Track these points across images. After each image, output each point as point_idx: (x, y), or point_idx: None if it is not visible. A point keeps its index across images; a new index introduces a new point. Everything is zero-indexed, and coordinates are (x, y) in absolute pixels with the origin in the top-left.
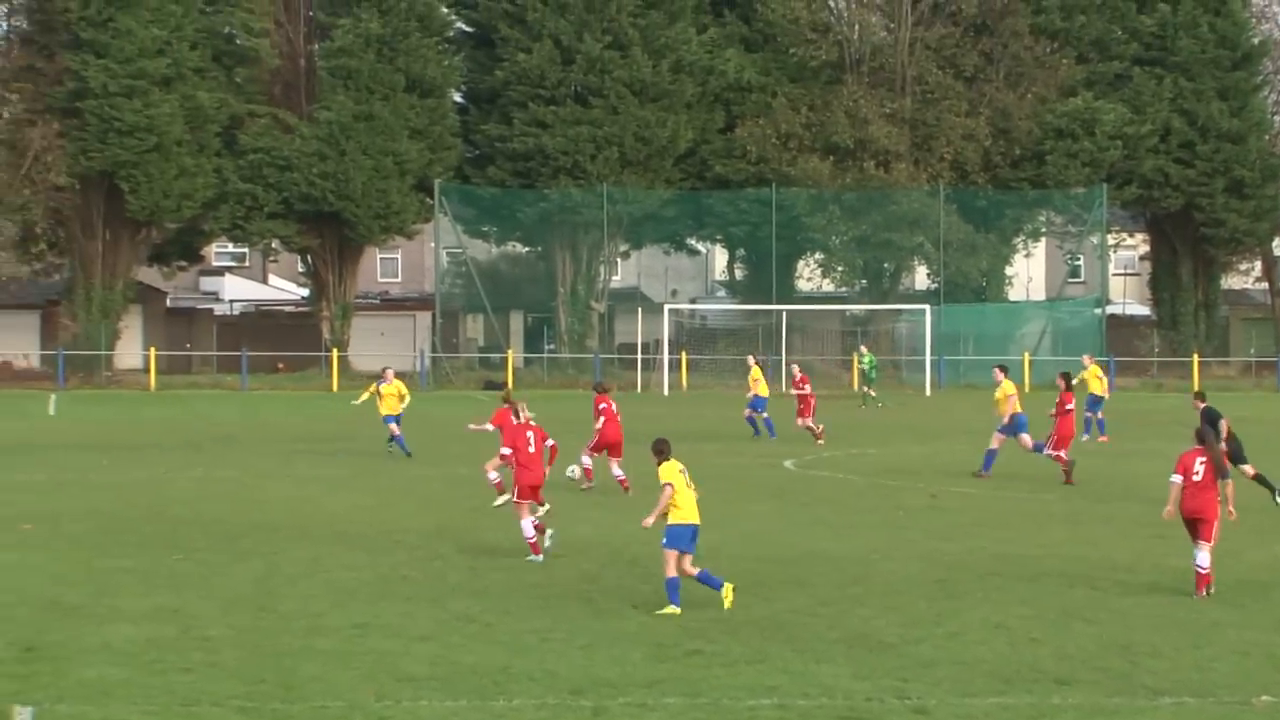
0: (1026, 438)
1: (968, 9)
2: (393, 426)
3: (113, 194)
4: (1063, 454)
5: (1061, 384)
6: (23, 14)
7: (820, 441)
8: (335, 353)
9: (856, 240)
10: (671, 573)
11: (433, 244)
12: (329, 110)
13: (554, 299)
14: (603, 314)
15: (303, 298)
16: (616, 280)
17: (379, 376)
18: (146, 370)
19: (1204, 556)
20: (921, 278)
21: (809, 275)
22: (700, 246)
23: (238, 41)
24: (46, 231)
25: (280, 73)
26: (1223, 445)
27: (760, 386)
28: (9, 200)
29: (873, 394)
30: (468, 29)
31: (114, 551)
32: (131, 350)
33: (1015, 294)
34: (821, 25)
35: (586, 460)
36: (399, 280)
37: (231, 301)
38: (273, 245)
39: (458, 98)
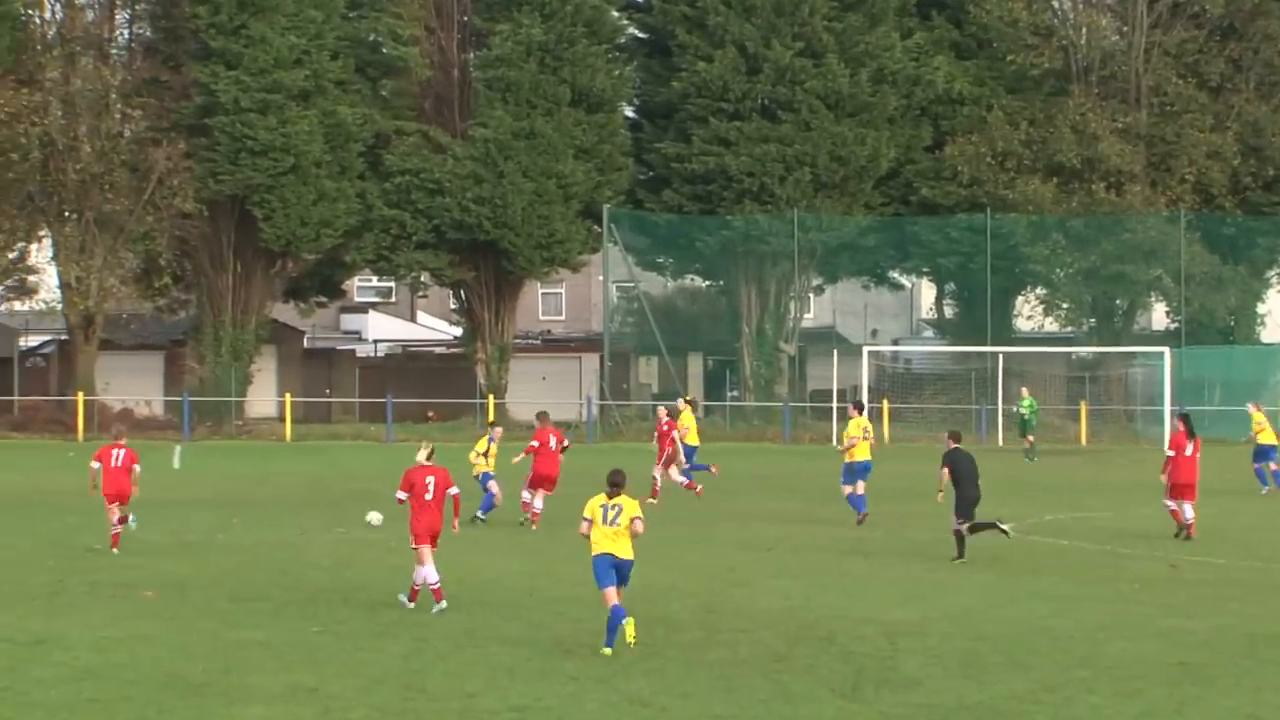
0: None
1: (1213, 9)
2: (492, 484)
3: (244, 221)
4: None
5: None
6: (146, 21)
7: (652, 500)
8: (491, 399)
9: (1084, 273)
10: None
11: (601, 277)
12: (485, 127)
13: (737, 339)
14: (793, 356)
15: (455, 338)
16: (809, 318)
17: (488, 433)
18: (281, 419)
19: None
20: (1159, 316)
21: (1029, 313)
22: (904, 280)
23: (384, 50)
24: (171, 264)
25: (431, 85)
26: None
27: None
28: (130, 229)
29: (1031, 443)
30: (641, 35)
31: (244, 622)
32: (265, 396)
33: (1268, 335)
34: (1044, 29)
35: (527, 495)
36: (563, 318)
37: (376, 342)
38: (422, 279)
39: (629, 112)
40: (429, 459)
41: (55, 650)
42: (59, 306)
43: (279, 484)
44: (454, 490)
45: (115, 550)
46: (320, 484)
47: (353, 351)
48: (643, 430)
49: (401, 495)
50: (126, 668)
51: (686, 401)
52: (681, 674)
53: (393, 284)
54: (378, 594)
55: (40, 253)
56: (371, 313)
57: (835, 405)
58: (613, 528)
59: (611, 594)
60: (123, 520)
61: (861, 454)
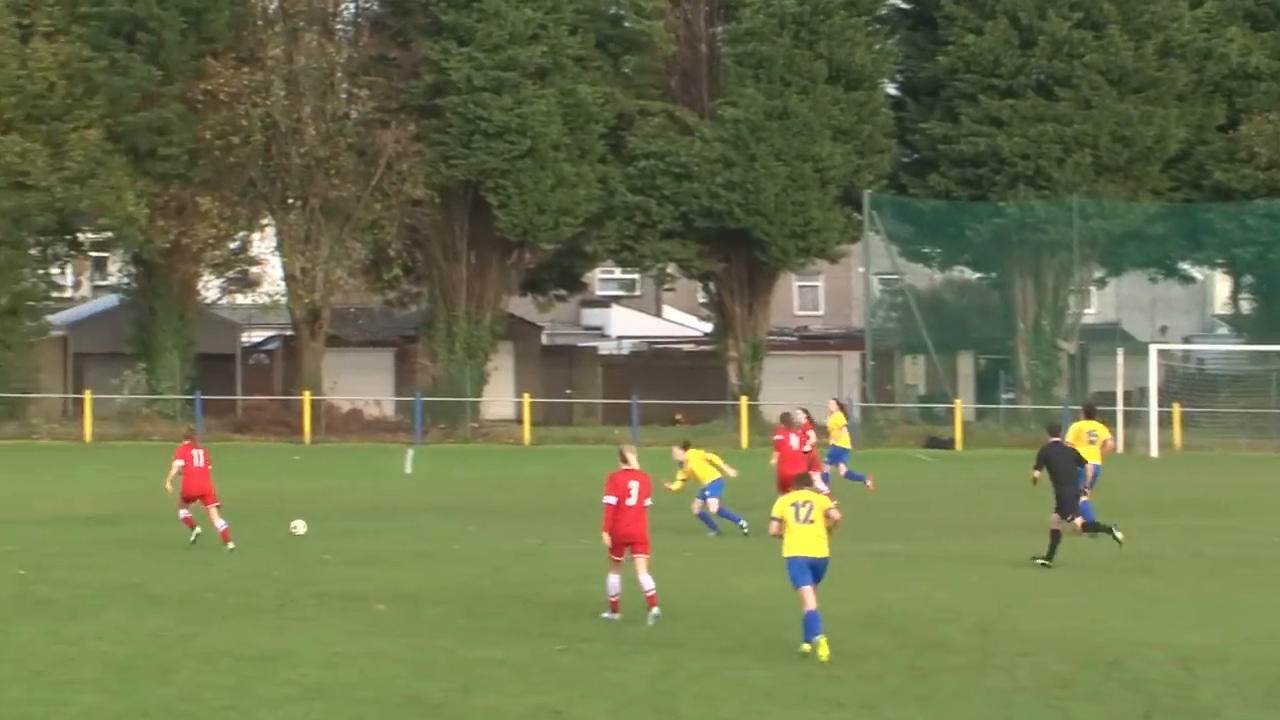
0: None
1: None
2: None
3: (478, 209)
4: None
5: None
6: None
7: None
8: (744, 400)
9: None
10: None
11: (861, 269)
12: (736, 106)
13: (1012, 337)
14: (1073, 355)
15: (704, 334)
16: (1090, 314)
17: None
18: (519, 420)
19: None
20: None
21: None
22: (1196, 272)
23: (626, 25)
24: (401, 254)
25: (677, 61)
26: None
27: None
28: (357, 217)
29: None
30: (904, 6)
31: (482, 639)
32: (502, 396)
33: None
34: None
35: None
36: (820, 313)
37: (619, 338)
38: (668, 270)
39: (892, 90)
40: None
41: (283, 667)
42: (283, 300)
43: (518, 490)
44: (649, 501)
45: (231, 546)
46: (562, 490)
47: (594, 349)
48: (909, 435)
49: (610, 500)
50: (358, 686)
51: (838, 405)
52: (955, 701)
53: (637, 276)
54: (624, 608)
55: (263, 243)
56: (614, 307)
57: (1121, 409)
58: (807, 525)
59: (808, 595)
60: (189, 522)
61: (1092, 458)
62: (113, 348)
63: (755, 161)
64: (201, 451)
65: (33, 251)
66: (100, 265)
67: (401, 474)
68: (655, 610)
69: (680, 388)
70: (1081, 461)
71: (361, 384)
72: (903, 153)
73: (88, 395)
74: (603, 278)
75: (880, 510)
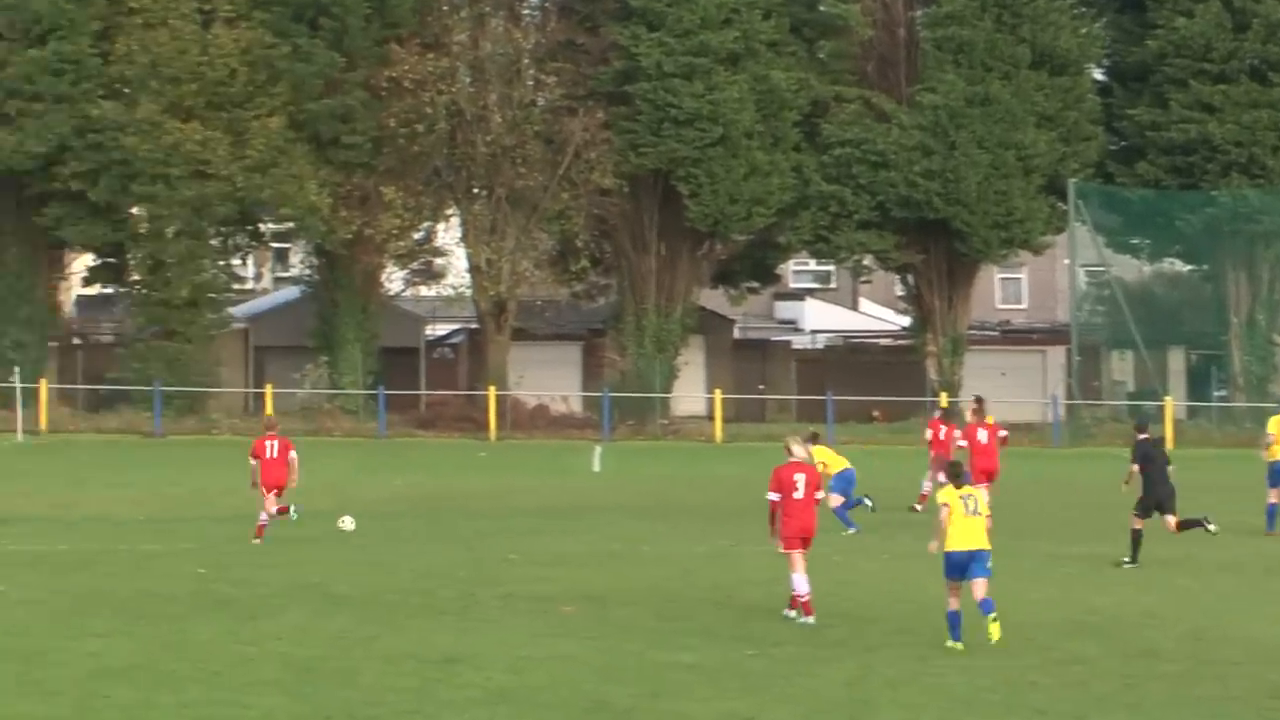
0: None
1: None
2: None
3: (669, 198)
4: None
5: None
6: None
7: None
8: (943, 397)
9: None
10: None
11: (1066, 261)
12: (934, 92)
13: (1225, 331)
14: None
15: (902, 328)
16: None
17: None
18: (710, 417)
19: None
20: None
21: None
22: None
23: (821, 9)
24: (588, 245)
25: (874, 46)
26: None
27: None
28: (544, 207)
29: None
30: None
31: (672, 642)
32: (692, 392)
33: None
34: None
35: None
36: (1024, 306)
37: (814, 332)
38: (864, 262)
39: (1098, 75)
40: (801, 455)
41: (467, 670)
42: (468, 292)
43: (709, 489)
44: (823, 494)
45: (257, 541)
46: (754, 489)
47: (788, 343)
48: (1116, 434)
49: (774, 495)
50: (544, 691)
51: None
52: (1165, 711)
53: (832, 268)
54: (818, 611)
55: (447, 233)
56: (808, 300)
57: None
58: (974, 518)
59: (958, 591)
60: (283, 511)
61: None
62: (294, 341)
63: (955, 149)
64: (277, 442)
65: (213, 242)
66: (281, 256)
67: (589, 472)
68: (807, 619)
69: (877, 384)
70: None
71: (548, 379)
72: (1109, 140)
73: (268, 389)
74: (797, 269)
75: (1088, 511)
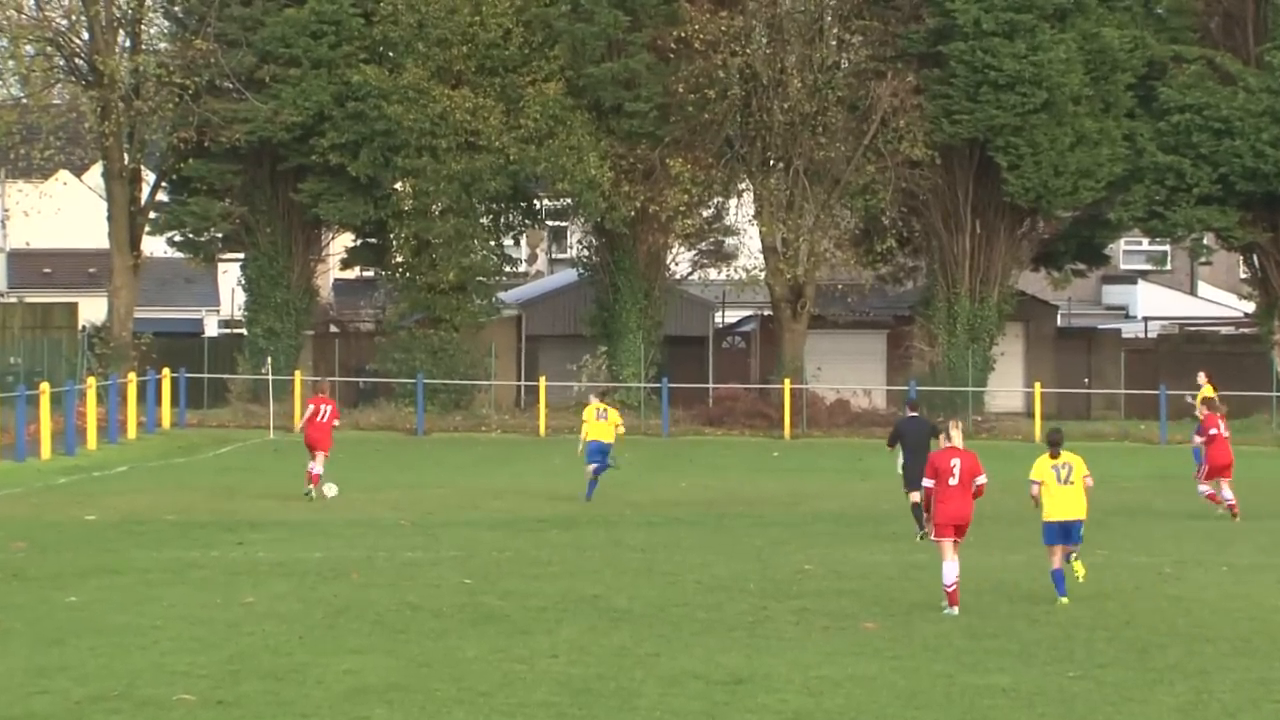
0: None
1: None
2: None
3: (984, 171)
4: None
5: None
6: None
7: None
8: None
9: None
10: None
11: None
12: None
13: None
14: None
15: (1245, 315)
16: None
17: None
18: (1029, 413)
19: None
20: None
21: None
22: None
23: None
24: (896, 223)
25: (1218, 1)
26: None
27: None
28: (847, 181)
29: None
30: None
31: (985, 663)
32: (1009, 385)
33: None
34: None
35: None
36: None
37: (1146, 320)
38: (1204, 241)
39: None
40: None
41: (758, 692)
42: (761, 275)
43: (1024, 494)
44: (982, 479)
45: (311, 488)
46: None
47: (1117, 331)
48: None
49: (928, 482)
50: (842, 715)
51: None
52: None
53: (1167, 248)
54: (1148, 630)
55: (739, 210)
56: (1141, 284)
57: None
58: (1067, 487)
59: (1059, 553)
60: (315, 479)
61: None
62: (570, 329)
63: None
64: (330, 407)
65: (483, 220)
66: (558, 236)
67: (893, 473)
68: (952, 609)
69: (1217, 377)
70: None
71: (849, 371)
72: None
73: (542, 382)
74: (1128, 250)
75: None
